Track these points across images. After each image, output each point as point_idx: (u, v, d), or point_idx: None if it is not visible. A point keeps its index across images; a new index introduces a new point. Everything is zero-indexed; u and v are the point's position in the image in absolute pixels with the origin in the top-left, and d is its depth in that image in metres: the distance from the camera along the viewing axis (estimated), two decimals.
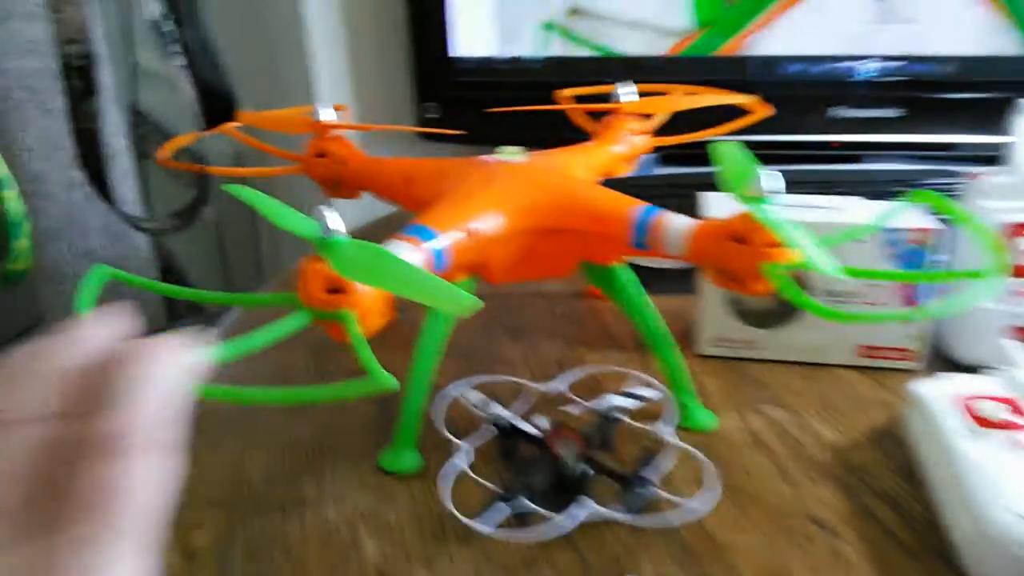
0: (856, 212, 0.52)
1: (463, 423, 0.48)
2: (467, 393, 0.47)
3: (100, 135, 0.44)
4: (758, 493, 0.42)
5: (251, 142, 0.57)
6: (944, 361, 0.54)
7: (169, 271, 0.93)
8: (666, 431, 0.45)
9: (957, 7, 0.75)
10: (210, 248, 1.02)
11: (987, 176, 0.51)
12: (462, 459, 0.42)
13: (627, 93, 0.59)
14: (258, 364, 0.37)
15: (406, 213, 0.53)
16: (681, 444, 0.44)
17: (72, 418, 0.21)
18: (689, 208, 0.73)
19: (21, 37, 0.56)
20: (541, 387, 0.49)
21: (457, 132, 0.58)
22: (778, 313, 0.53)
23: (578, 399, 0.49)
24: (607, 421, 0.45)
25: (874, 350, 0.53)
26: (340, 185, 0.55)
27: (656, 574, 0.37)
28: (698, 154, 0.66)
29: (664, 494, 0.40)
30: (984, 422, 0.40)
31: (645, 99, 0.61)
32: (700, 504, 0.40)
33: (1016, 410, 0.41)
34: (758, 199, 0.39)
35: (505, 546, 0.38)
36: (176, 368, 0.23)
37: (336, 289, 0.34)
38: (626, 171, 0.61)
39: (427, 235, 0.41)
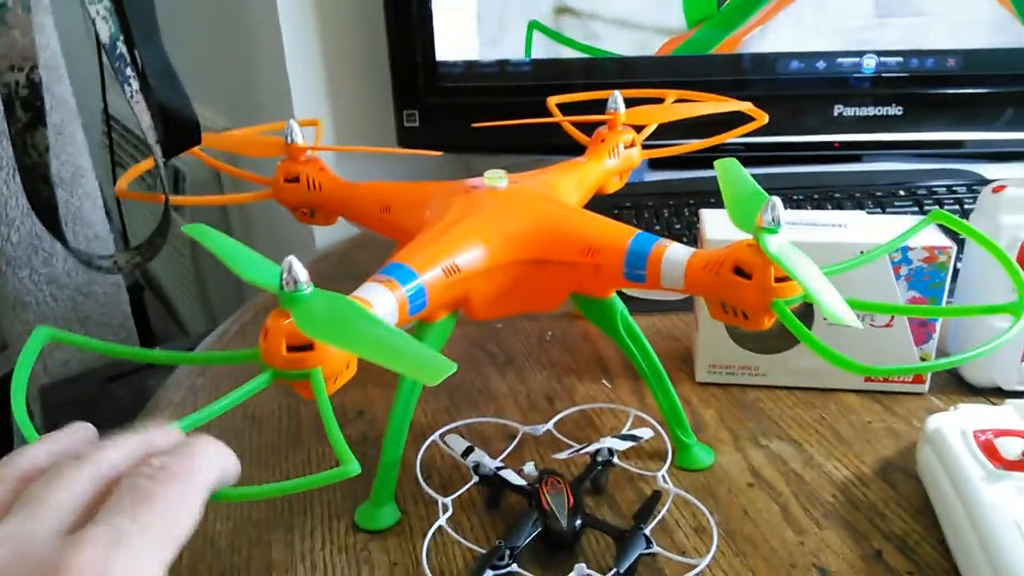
0: (862, 228, 0.49)
1: (446, 472, 0.45)
2: (449, 439, 0.44)
3: (49, 168, 0.41)
4: (760, 539, 0.40)
5: (219, 166, 0.54)
6: (959, 383, 0.51)
7: (140, 290, 0.90)
8: (662, 474, 0.42)
9: (962, 1, 0.71)
10: (187, 264, 0.98)
11: (1009, 188, 0.48)
12: (443, 517, 0.39)
13: (620, 104, 0.56)
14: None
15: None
16: (677, 490, 0.41)
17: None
18: (683, 214, 0.71)
19: None
20: (529, 429, 0.46)
21: (435, 153, 0.54)
22: (779, 337, 0.51)
23: (569, 441, 0.46)
24: (599, 465, 0.42)
25: None
26: (314, 211, 0.52)
27: None
28: (690, 158, 0.64)
29: (660, 549, 0.37)
30: (1004, 462, 0.38)
31: (638, 108, 0.58)
32: (699, 560, 0.38)
33: None
34: (766, 229, 0.36)
35: None
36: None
37: (302, 346, 0.31)
38: (619, 185, 0.58)
39: (404, 275, 0.38)
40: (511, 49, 0.76)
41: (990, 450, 0.39)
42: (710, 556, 0.37)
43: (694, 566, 0.37)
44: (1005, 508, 0.36)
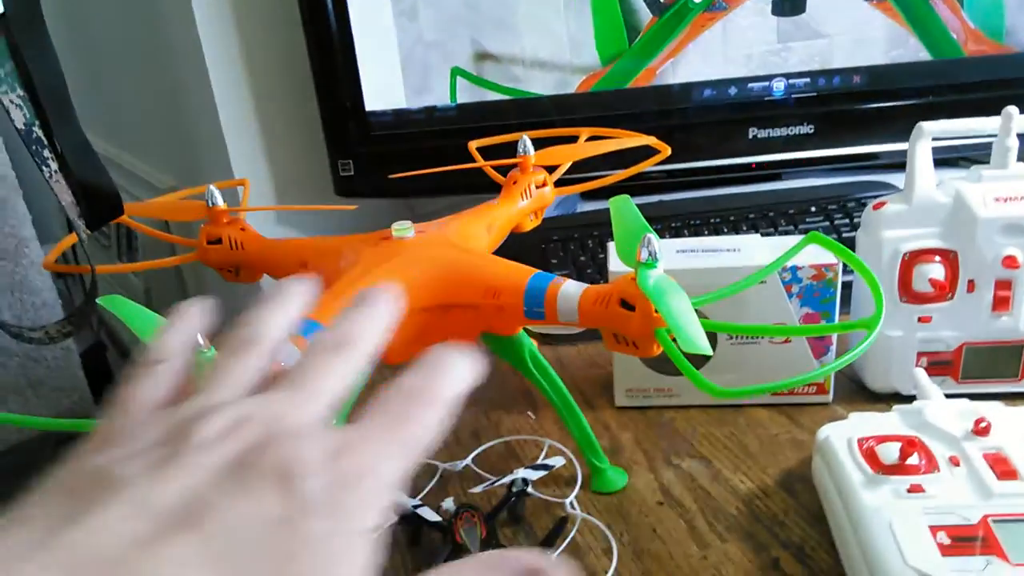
0: (755, 252, 0.52)
1: None
2: None
3: None
4: (666, 556, 0.42)
5: (146, 230, 0.56)
6: (863, 391, 0.54)
7: (103, 347, 0.92)
8: (570, 500, 0.44)
9: (859, 20, 0.75)
10: None
11: (888, 204, 0.51)
12: None
13: (528, 147, 0.59)
14: None
15: None
16: (583, 515, 0.44)
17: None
18: (607, 244, 0.73)
19: None
20: (448, 465, 0.48)
21: (350, 207, 0.57)
22: (690, 359, 0.53)
23: (487, 474, 0.48)
24: (514, 496, 0.45)
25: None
26: (238, 270, 0.54)
27: None
28: (621, 188, 0.66)
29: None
30: (882, 467, 0.40)
31: (549, 149, 0.61)
32: None
33: (918, 449, 0.41)
34: (644, 264, 0.39)
35: None
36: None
37: None
38: (534, 224, 0.61)
39: (309, 329, 0.40)
40: (437, 95, 0.79)
41: (871, 456, 0.41)
42: (609, 574, 0.40)
43: None
44: (880, 511, 0.38)
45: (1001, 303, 0.49)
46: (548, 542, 0.41)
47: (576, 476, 0.48)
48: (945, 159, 0.67)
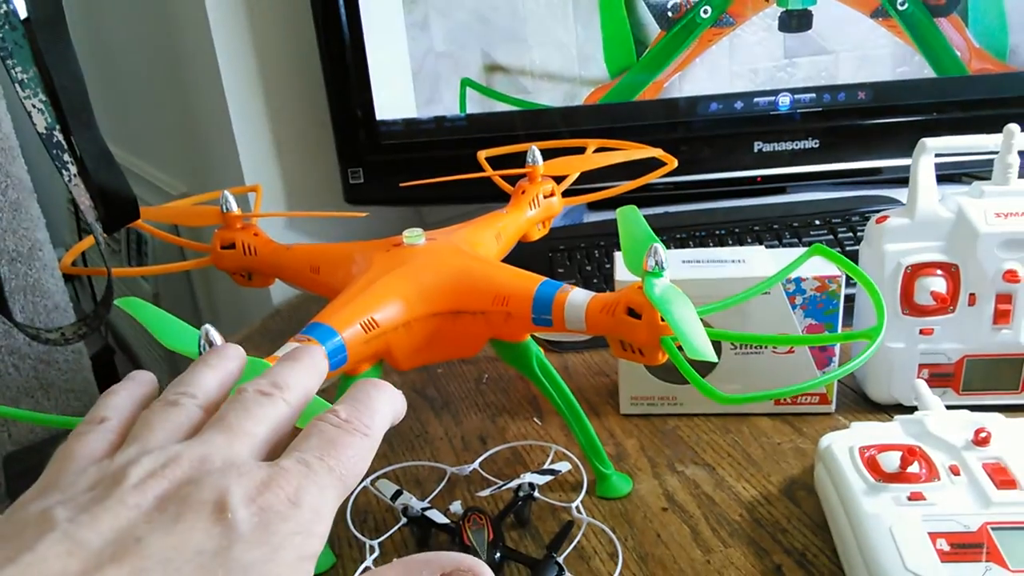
0: (759, 263, 0.53)
1: (380, 515, 0.48)
2: (379, 484, 0.47)
3: None
4: (670, 560, 0.43)
5: (162, 235, 0.57)
6: (865, 401, 0.55)
7: (111, 352, 0.93)
8: (576, 505, 0.45)
9: (864, 37, 0.76)
10: None
11: (891, 218, 0.52)
12: (369, 558, 0.42)
13: (537, 157, 0.60)
14: None
15: None
16: (589, 519, 0.44)
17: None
18: (613, 254, 0.74)
19: None
20: (456, 469, 0.49)
21: (362, 214, 0.58)
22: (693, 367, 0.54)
23: (494, 479, 0.49)
24: (520, 500, 0.45)
25: (790, 396, 0.54)
26: (251, 274, 0.55)
27: None
28: (627, 200, 0.67)
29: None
30: (883, 475, 0.41)
31: (557, 160, 0.62)
32: None
33: (919, 458, 0.41)
34: (650, 273, 0.40)
35: None
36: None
37: None
38: (542, 233, 0.62)
39: (324, 334, 0.41)
40: (447, 105, 0.80)
41: (872, 464, 0.42)
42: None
43: None
44: (881, 518, 0.39)
45: (1002, 316, 0.50)
46: (554, 545, 0.42)
47: (581, 481, 0.48)
48: (947, 175, 0.68)
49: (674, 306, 0.38)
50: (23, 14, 0.47)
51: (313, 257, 0.53)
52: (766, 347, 0.53)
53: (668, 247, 0.70)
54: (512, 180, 0.62)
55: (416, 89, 0.79)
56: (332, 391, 0.38)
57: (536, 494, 0.46)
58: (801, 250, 0.49)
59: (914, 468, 0.41)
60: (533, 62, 0.78)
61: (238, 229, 0.55)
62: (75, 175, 0.48)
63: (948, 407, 0.46)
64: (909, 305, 0.51)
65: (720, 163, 0.80)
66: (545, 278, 0.45)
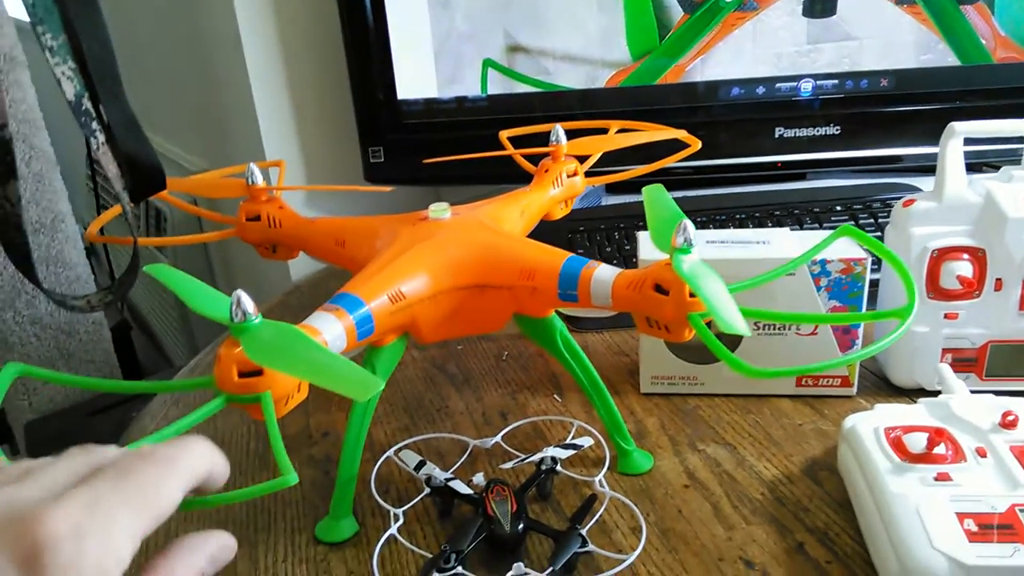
0: (785, 245, 0.52)
1: (402, 485, 0.48)
2: (403, 454, 0.47)
3: (21, 218, 0.44)
4: (692, 536, 0.43)
5: (186, 207, 0.57)
6: (886, 385, 0.55)
7: (128, 326, 0.93)
8: (599, 479, 0.45)
9: (888, 24, 0.76)
10: (171, 299, 1.02)
11: (918, 202, 0.52)
12: (394, 526, 0.42)
13: (561, 136, 0.60)
14: (196, 431, 0.37)
15: None
16: (612, 493, 0.44)
17: None
18: (632, 236, 0.74)
19: None
20: (479, 442, 0.49)
21: (388, 188, 0.58)
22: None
23: (517, 452, 0.49)
24: (543, 473, 0.45)
25: (812, 378, 0.54)
26: (275, 247, 0.55)
27: None
28: (645, 182, 0.67)
29: (595, 548, 0.40)
30: (909, 456, 0.41)
31: (581, 140, 0.62)
32: (629, 555, 0.41)
33: (945, 439, 0.41)
34: (679, 249, 0.40)
35: None
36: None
37: (253, 372, 0.34)
38: (565, 211, 0.62)
39: (352, 304, 0.41)
40: (468, 86, 0.80)
41: (898, 445, 0.42)
42: (638, 550, 0.41)
43: (627, 562, 0.40)
44: (908, 497, 0.39)
45: None
46: (577, 518, 0.42)
47: (603, 457, 0.48)
48: (969, 164, 0.68)
49: (704, 281, 0.38)
50: None
51: (338, 230, 0.53)
52: (789, 329, 0.53)
53: None
54: (534, 160, 0.62)
55: (438, 69, 0.79)
56: (358, 361, 0.38)
57: (558, 468, 0.46)
58: (825, 232, 0.49)
59: (940, 449, 0.41)
60: (555, 44, 0.78)
61: (263, 201, 0.55)
62: (103, 143, 0.48)
63: (972, 392, 0.46)
64: (934, 289, 0.51)
65: (740, 148, 0.80)
66: (571, 254, 0.45)
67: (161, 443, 0.28)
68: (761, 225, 0.73)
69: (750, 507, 0.45)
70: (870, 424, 0.44)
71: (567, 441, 0.48)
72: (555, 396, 0.56)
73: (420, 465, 0.46)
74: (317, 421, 0.55)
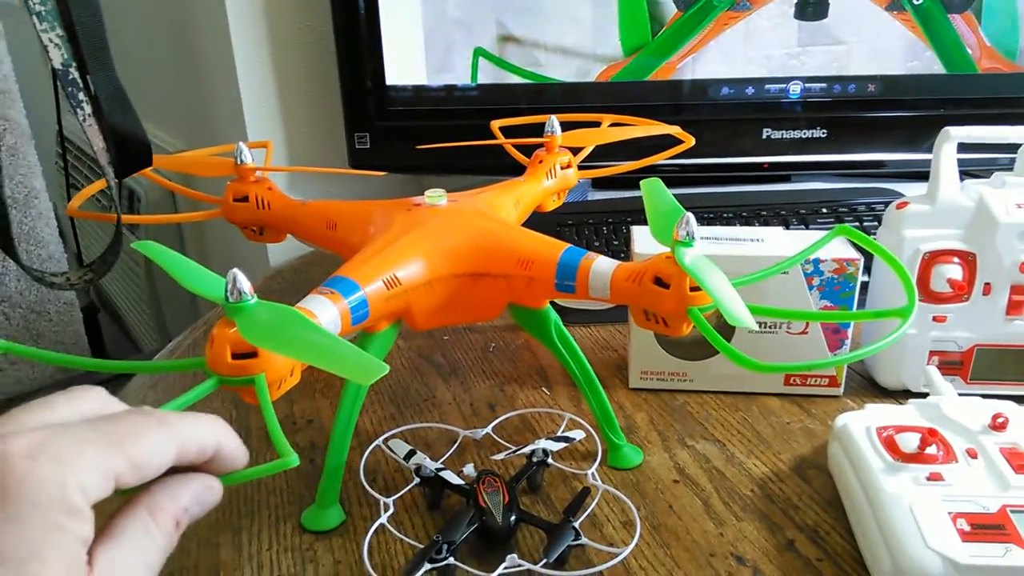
0: (778, 243, 0.53)
1: (390, 475, 0.47)
2: (392, 443, 0.46)
3: (1, 190, 0.43)
4: (683, 531, 0.43)
5: (171, 186, 0.55)
6: (872, 386, 0.55)
7: (95, 310, 0.91)
8: (591, 472, 0.45)
9: (878, 29, 0.76)
10: (142, 284, 0.99)
11: (911, 204, 0.52)
12: (384, 516, 0.42)
13: (556, 127, 0.59)
14: None
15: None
16: (605, 486, 0.44)
17: None
18: (621, 231, 0.74)
19: None
20: (469, 432, 0.49)
21: (378, 173, 0.57)
22: (705, 345, 0.54)
23: (507, 444, 0.49)
24: (535, 465, 0.45)
25: (800, 377, 0.54)
26: (263, 229, 0.54)
27: None
28: (631, 178, 0.67)
29: (588, 541, 0.40)
30: (902, 455, 0.41)
31: (574, 132, 0.61)
32: (623, 549, 0.40)
33: (936, 440, 0.42)
34: (681, 242, 0.39)
35: None
36: None
37: (246, 353, 0.33)
38: (557, 204, 0.61)
39: (347, 288, 0.40)
40: (458, 74, 0.79)
41: (890, 445, 0.42)
42: (632, 545, 0.40)
43: (619, 555, 0.40)
44: (900, 496, 0.39)
45: (1015, 307, 0.50)
46: (570, 511, 0.42)
47: (594, 451, 0.48)
48: None
49: (708, 275, 0.38)
50: None
51: (330, 213, 0.52)
52: (780, 327, 0.53)
53: None
54: (526, 151, 0.62)
55: (428, 55, 0.78)
56: None
57: (549, 460, 0.46)
58: (818, 233, 0.49)
59: (932, 450, 0.41)
60: (547, 35, 0.77)
61: (251, 182, 0.54)
62: (89, 115, 0.47)
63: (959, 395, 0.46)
64: (924, 292, 0.51)
65: (727, 148, 0.80)
66: (569, 244, 0.45)
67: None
68: (748, 224, 0.73)
69: (740, 504, 0.45)
70: (862, 423, 0.44)
71: (558, 434, 0.48)
72: (543, 389, 0.56)
73: (410, 455, 0.45)
74: (301, 408, 0.54)
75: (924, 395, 0.47)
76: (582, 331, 0.63)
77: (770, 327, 0.53)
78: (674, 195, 0.45)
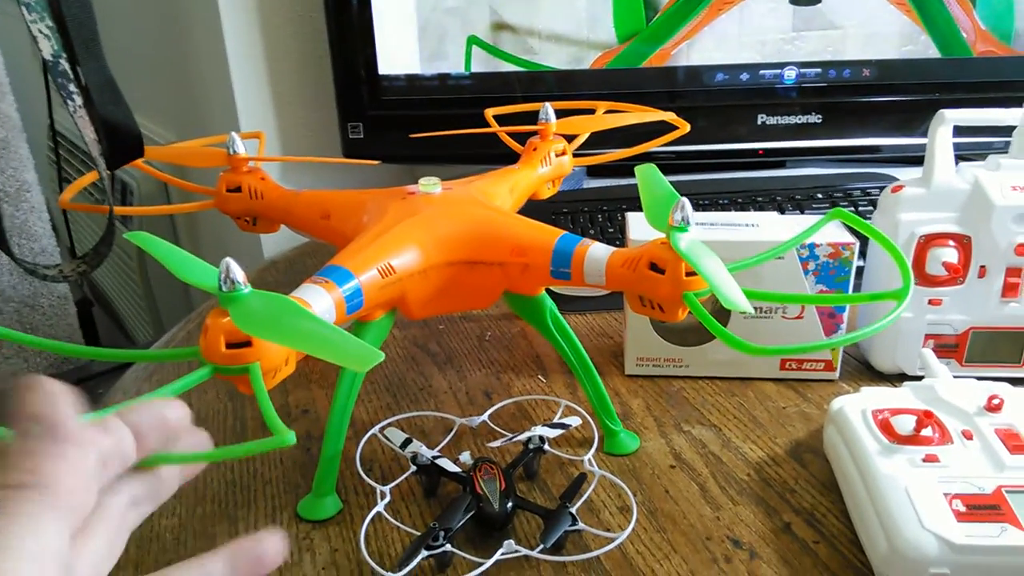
0: (773, 228, 0.52)
1: (386, 464, 0.47)
2: (388, 432, 0.46)
3: None
4: (680, 516, 0.43)
5: (163, 177, 0.55)
6: (868, 370, 0.55)
7: (89, 304, 0.90)
8: (588, 458, 0.45)
9: (873, 14, 0.76)
10: (135, 278, 0.99)
11: (906, 188, 0.52)
12: (381, 504, 0.42)
13: (550, 115, 0.59)
14: None
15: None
16: (602, 472, 0.44)
17: None
18: (616, 218, 0.74)
19: None
20: (465, 420, 0.49)
21: (372, 162, 0.57)
22: (700, 330, 0.54)
23: (503, 431, 0.49)
24: (531, 452, 0.45)
25: (795, 362, 0.54)
26: (256, 219, 0.54)
27: None
28: (626, 166, 0.67)
29: (585, 526, 0.40)
30: (897, 437, 0.41)
31: (569, 119, 0.61)
32: (620, 533, 0.40)
33: (932, 422, 0.42)
34: (676, 228, 0.39)
35: None
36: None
37: (240, 343, 0.33)
38: (552, 191, 0.61)
39: (341, 276, 0.40)
40: (452, 63, 0.78)
41: (886, 427, 0.42)
42: (629, 530, 0.40)
43: (616, 540, 0.40)
44: (896, 478, 0.39)
45: (1010, 289, 0.50)
46: (566, 497, 0.42)
47: (591, 437, 0.48)
48: None
49: (704, 259, 0.38)
50: None
51: (324, 203, 0.51)
52: (775, 312, 0.53)
53: None
54: (521, 139, 0.61)
55: (421, 44, 0.78)
56: None
57: (546, 447, 0.46)
58: (812, 218, 0.49)
59: (927, 432, 0.41)
60: (541, 23, 0.77)
61: (244, 172, 0.53)
62: (80, 106, 0.46)
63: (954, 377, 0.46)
64: (920, 275, 0.51)
65: (722, 134, 0.80)
66: (564, 231, 0.44)
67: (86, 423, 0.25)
68: (744, 210, 0.73)
69: (736, 488, 0.45)
70: (857, 406, 0.44)
71: (554, 421, 0.48)
72: (539, 377, 0.56)
73: (406, 443, 0.45)
74: (296, 398, 0.54)
75: (919, 378, 0.47)
76: (578, 318, 0.63)
77: (766, 312, 0.53)
78: (670, 181, 0.44)
